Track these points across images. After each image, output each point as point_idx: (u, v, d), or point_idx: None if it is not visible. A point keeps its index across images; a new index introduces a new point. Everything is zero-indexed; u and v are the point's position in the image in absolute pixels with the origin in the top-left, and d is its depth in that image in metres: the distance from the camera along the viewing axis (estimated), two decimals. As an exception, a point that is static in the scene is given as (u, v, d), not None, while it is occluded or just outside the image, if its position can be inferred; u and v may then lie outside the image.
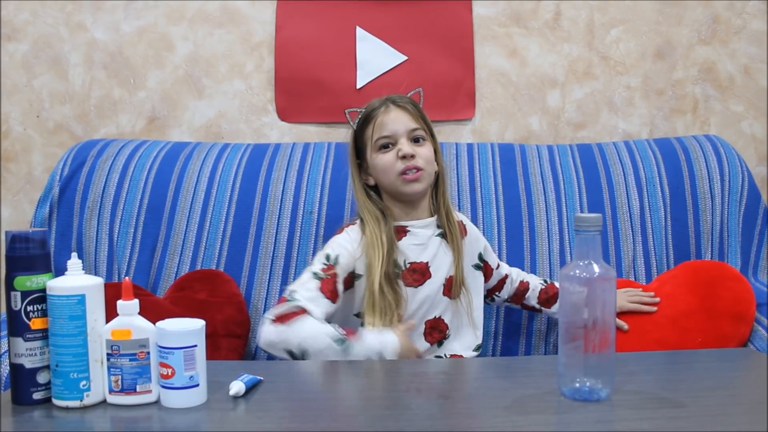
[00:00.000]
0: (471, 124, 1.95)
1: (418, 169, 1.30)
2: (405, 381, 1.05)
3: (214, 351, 1.41)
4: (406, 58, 1.92)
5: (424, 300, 1.32)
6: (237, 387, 0.93)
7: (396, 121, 1.32)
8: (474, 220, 1.59)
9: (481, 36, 1.94)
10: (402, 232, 1.34)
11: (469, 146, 1.78)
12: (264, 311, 1.60)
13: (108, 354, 0.91)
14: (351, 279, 1.30)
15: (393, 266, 1.28)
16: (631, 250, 1.65)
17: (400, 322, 1.26)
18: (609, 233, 1.66)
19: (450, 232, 1.36)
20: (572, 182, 1.70)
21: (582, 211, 1.67)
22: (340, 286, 1.26)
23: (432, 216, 1.37)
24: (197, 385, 0.90)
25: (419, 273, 1.33)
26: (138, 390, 0.91)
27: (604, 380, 0.90)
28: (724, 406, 0.90)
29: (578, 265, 0.90)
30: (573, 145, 1.81)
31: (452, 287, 1.34)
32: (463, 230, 1.41)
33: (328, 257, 1.28)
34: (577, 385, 0.90)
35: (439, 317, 1.33)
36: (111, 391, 0.92)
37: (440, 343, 1.34)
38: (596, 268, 0.89)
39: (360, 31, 1.91)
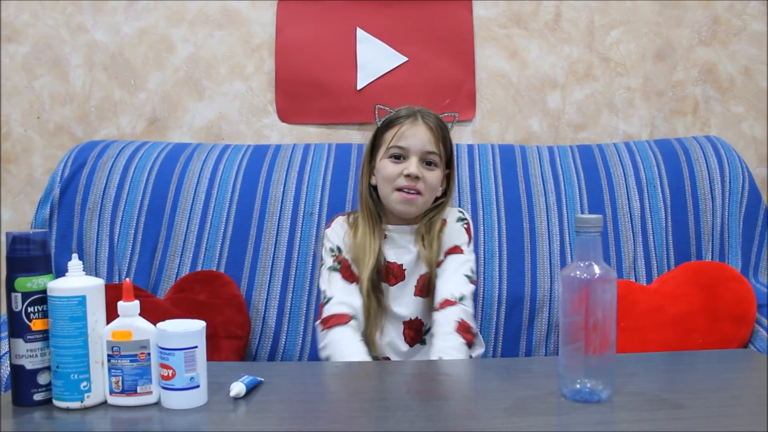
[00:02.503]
0: (471, 125, 1.95)
1: (418, 193, 1.30)
2: (406, 382, 1.05)
3: (214, 352, 1.41)
4: (406, 59, 1.92)
5: (398, 299, 1.33)
6: (237, 388, 0.93)
7: (415, 137, 1.31)
8: (475, 222, 1.59)
9: (482, 37, 1.94)
10: (383, 234, 1.37)
11: (470, 147, 1.78)
12: (264, 312, 1.60)
13: (108, 355, 0.92)
14: None
15: (378, 272, 1.33)
16: (631, 251, 1.65)
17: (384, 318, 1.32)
18: (609, 234, 1.66)
19: (426, 235, 1.34)
20: (573, 183, 1.70)
21: (582, 212, 1.67)
22: (354, 268, 1.35)
23: (416, 224, 1.37)
24: (198, 387, 0.90)
25: (393, 274, 1.35)
26: (139, 391, 0.91)
27: (604, 381, 0.90)
28: (725, 408, 0.90)
29: (579, 266, 0.90)
30: (573, 147, 1.81)
31: (422, 285, 1.34)
32: (443, 225, 1.37)
33: (332, 249, 1.37)
34: (578, 386, 0.90)
35: (417, 318, 1.34)
36: (112, 392, 0.92)
37: (423, 342, 1.34)
38: (597, 269, 0.89)
39: (360, 33, 1.91)
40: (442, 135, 1.33)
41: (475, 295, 1.58)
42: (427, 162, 1.32)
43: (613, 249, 1.65)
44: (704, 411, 0.88)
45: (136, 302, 0.92)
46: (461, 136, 1.94)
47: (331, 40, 1.91)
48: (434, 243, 1.33)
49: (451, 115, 1.38)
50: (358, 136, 1.92)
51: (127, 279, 0.99)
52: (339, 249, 1.36)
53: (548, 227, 1.66)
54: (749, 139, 1.97)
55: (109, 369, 0.92)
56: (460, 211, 1.41)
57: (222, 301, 1.54)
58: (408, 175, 1.29)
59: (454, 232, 1.36)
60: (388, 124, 1.34)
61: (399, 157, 1.32)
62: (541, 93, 1.95)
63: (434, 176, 1.32)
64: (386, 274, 1.35)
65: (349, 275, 1.34)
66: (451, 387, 1.06)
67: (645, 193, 1.69)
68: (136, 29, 1.92)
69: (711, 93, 1.96)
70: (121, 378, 0.91)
